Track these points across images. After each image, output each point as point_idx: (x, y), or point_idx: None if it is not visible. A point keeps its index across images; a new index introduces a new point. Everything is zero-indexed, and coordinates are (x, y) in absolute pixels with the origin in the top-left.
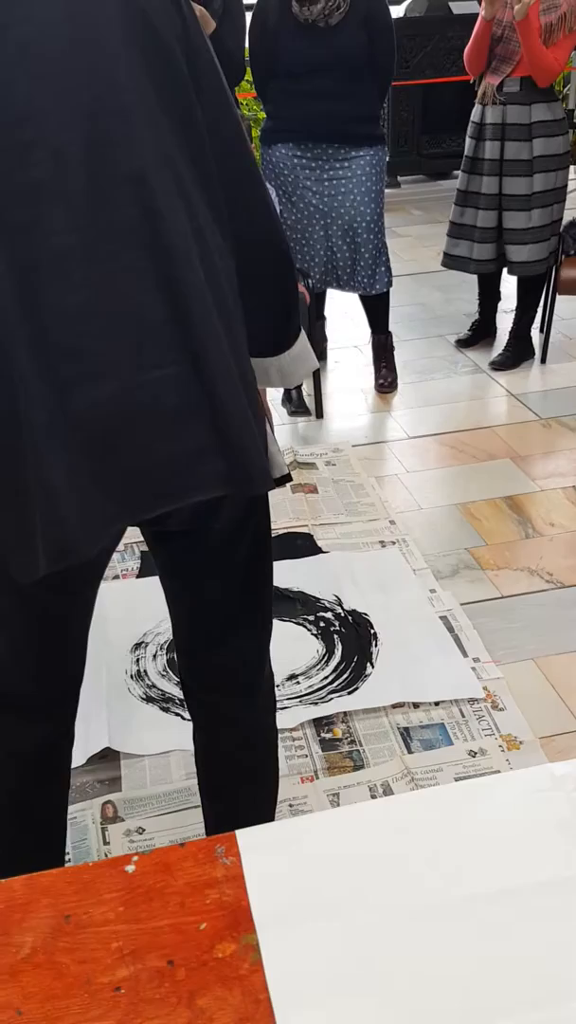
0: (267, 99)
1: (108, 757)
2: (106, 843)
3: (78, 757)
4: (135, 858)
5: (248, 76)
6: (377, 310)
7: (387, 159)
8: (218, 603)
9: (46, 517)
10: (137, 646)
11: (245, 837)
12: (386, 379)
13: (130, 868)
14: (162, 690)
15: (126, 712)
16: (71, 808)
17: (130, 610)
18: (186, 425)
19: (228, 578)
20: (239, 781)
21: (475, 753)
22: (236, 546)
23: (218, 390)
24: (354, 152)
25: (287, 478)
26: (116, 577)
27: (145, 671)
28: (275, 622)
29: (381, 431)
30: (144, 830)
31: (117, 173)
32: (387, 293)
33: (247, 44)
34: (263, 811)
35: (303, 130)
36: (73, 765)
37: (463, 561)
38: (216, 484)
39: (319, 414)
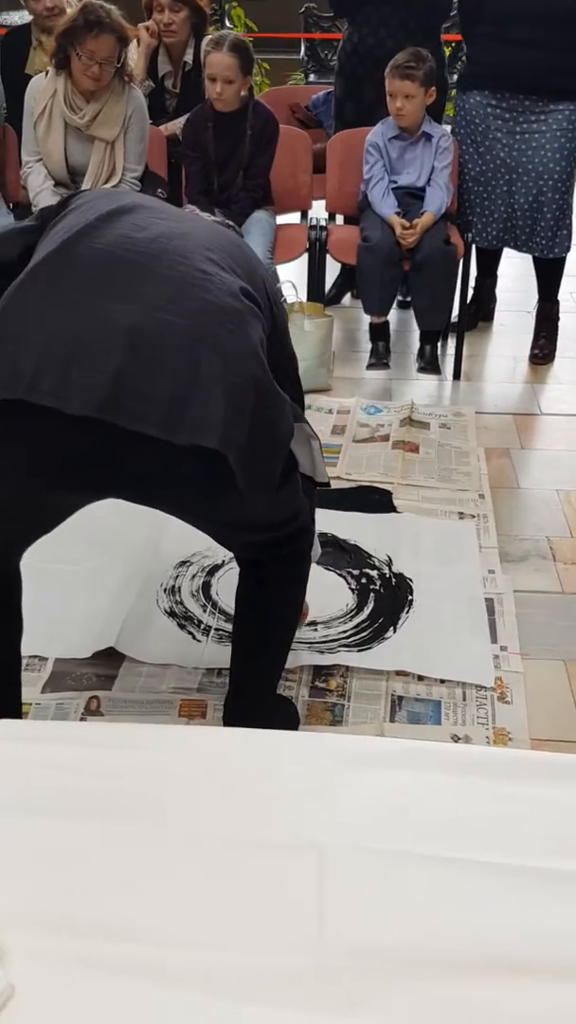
0: (471, 43)
1: (113, 657)
2: None
3: (84, 650)
4: None
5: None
6: (550, 275)
7: None
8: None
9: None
10: (182, 563)
11: (5, 727)
12: (542, 350)
13: None
14: (187, 608)
15: (144, 619)
16: (60, 695)
17: (189, 529)
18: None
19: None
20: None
21: (459, 738)
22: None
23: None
24: (552, 106)
25: (324, 485)
26: None
27: (179, 588)
28: (319, 569)
29: (514, 403)
30: None
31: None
32: (564, 259)
33: None
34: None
35: (501, 78)
36: (78, 656)
37: (537, 549)
38: (142, 422)
39: (456, 375)
